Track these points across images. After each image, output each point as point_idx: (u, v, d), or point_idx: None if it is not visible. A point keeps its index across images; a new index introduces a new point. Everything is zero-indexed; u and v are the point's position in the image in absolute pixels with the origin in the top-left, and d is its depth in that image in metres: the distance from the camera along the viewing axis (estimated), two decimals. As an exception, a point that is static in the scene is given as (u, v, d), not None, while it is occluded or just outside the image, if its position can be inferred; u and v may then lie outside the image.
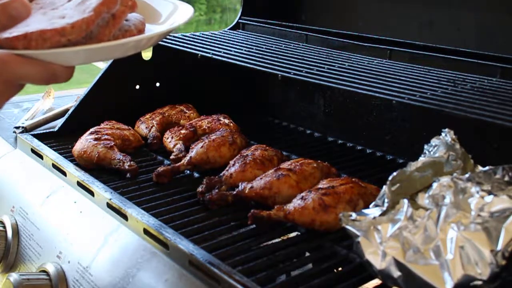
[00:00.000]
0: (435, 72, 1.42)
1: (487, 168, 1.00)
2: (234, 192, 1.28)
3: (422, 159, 1.06)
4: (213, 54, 1.62)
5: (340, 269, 1.07)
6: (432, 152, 1.09)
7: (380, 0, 1.80)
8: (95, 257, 1.22)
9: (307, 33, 1.83)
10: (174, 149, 1.56)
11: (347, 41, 1.70)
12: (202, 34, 1.92)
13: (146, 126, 1.71)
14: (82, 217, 1.33)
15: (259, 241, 1.16)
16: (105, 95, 1.76)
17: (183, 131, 1.62)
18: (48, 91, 2.09)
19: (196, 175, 1.48)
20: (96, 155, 1.46)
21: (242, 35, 1.94)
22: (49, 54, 0.79)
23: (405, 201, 0.96)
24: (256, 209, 1.19)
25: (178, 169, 1.44)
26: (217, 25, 11.73)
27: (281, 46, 1.73)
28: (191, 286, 1.04)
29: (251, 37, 1.89)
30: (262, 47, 1.70)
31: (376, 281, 1.00)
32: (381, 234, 0.93)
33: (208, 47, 1.70)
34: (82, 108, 1.73)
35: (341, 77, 1.34)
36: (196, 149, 1.47)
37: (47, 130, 1.72)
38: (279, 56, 1.56)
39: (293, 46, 1.74)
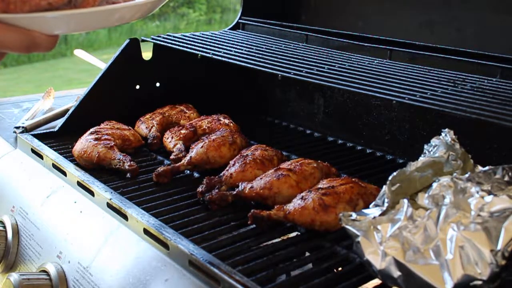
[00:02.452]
0: (435, 72, 1.42)
1: (487, 168, 1.00)
2: (234, 192, 1.28)
3: (422, 159, 1.06)
4: (213, 54, 1.62)
5: (340, 269, 1.07)
6: (432, 152, 1.09)
7: (380, 0, 1.80)
8: (95, 257, 1.22)
9: (307, 33, 1.83)
10: (174, 149, 1.56)
11: (347, 41, 1.70)
12: (202, 34, 1.92)
13: (146, 126, 1.71)
14: (82, 217, 1.33)
15: (259, 241, 1.16)
16: (105, 95, 1.76)
17: (183, 131, 1.62)
18: (48, 91, 2.09)
19: (196, 175, 1.48)
20: (96, 155, 1.46)
21: (242, 35, 1.94)
22: (29, 19, 0.76)
23: (405, 201, 0.96)
24: (256, 209, 1.19)
25: (178, 169, 1.44)
26: (217, 25, 11.76)
27: (281, 46, 1.73)
28: (191, 286, 1.04)
29: (251, 37, 1.89)
30: (262, 47, 1.70)
31: (376, 281, 1.00)
32: (381, 234, 0.93)
33: (208, 47, 1.70)
34: (82, 108, 1.73)
35: (341, 77, 1.34)
36: (196, 149, 1.47)
37: (47, 130, 1.72)
38: (279, 56, 1.56)
39: (293, 46, 1.74)
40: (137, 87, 1.85)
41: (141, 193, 1.35)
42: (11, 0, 0.75)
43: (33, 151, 1.58)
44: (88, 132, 1.57)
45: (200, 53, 1.65)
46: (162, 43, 1.80)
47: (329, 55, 1.61)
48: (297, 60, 1.52)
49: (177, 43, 1.77)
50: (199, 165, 1.46)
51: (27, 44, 0.77)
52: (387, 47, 1.59)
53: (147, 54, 1.85)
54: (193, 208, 1.29)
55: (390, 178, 1.00)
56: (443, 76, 1.38)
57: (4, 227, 1.48)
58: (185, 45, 1.74)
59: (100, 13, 0.80)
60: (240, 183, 1.30)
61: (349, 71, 1.40)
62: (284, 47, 1.72)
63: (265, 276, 1.03)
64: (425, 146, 1.13)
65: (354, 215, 0.97)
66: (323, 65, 1.46)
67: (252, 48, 1.68)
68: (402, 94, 1.21)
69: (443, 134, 1.11)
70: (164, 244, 1.12)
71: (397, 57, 1.57)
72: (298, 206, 1.16)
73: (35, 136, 1.65)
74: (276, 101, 2.02)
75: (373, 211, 0.97)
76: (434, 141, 1.11)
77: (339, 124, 1.81)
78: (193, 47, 1.71)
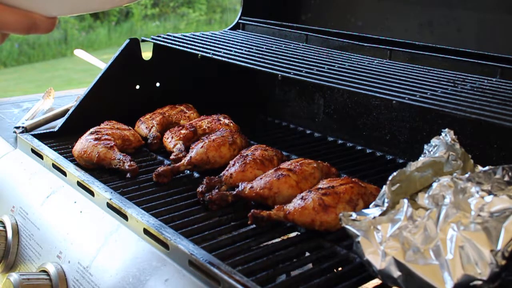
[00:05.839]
0: (435, 72, 1.42)
1: (487, 168, 1.00)
2: (234, 192, 1.28)
3: (422, 159, 1.06)
4: (213, 54, 1.62)
5: (340, 269, 1.07)
6: (432, 152, 1.09)
7: (380, 0, 1.80)
8: (95, 257, 1.22)
9: (307, 33, 1.83)
10: (174, 149, 1.56)
11: (347, 41, 1.70)
12: (202, 34, 1.92)
13: (146, 126, 1.71)
14: (82, 217, 1.33)
15: (259, 241, 1.16)
16: (105, 95, 1.76)
17: (183, 131, 1.62)
18: (48, 91, 2.09)
19: (196, 175, 1.48)
20: (96, 155, 1.46)
21: (242, 35, 1.94)
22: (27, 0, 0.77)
23: (405, 201, 0.96)
24: (256, 209, 1.19)
25: (178, 169, 1.44)
26: (217, 25, 11.77)
27: (281, 46, 1.73)
28: (191, 286, 1.04)
29: (251, 37, 1.90)
30: (262, 47, 1.70)
31: (376, 281, 1.00)
32: (381, 234, 0.93)
33: (208, 47, 1.70)
34: (82, 108, 1.73)
35: (341, 77, 1.34)
36: (196, 149, 1.47)
37: (47, 130, 1.72)
38: (279, 56, 1.56)
39: (293, 46, 1.74)
40: (137, 87, 1.85)
41: (141, 193, 1.36)
42: None
43: (33, 151, 1.58)
44: (88, 132, 1.57)
45: (200, 53, 1.65)
46: (162, 43, 1.80)
47: (329, 55, 1.61)
48: (297, 60, 1.52)
49: (177, 43, 1.77)
50: (199, 165, 1.46)
51: (27, 25, 0.78)
52: (387, 47, 1.59)
53: (147, 54, 1.85)
54: (193, 208, 1.29)
55: (390, 178, 1.00)
56: (443, 76, 1.38)
57: (4, 227, 1.48)
58: (185, 45, 1.74)
59: None
60: (240, 183, 1.30)
61: (349, 71, 1.40)
62: (284, 47, 1.72)
63: (265, 276, 1.03)
64: (425, 146, 1.13)
65: (354, 215, 0.97)
66: (323, 65, 1.46)
67: (252, 48, 1.68)
68: (402, 94, 1.21)
69: (443, 134, 1.11)
70: (164, 244, 1.12)
71: (397, 57, 1.57)
72: (298, 206, 1.16)
73: (35, 136, 1.65)
74: (276, 101, 2.02)
75: (373, 211, 0.97)
76: (434, 141, 1.11)
77: (339, 124, 1.81)
78: (193, 47, 1.71)
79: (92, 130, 1.58)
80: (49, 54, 9.75)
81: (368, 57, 1.59)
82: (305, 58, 1.54)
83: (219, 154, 1.48)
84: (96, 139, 1.51)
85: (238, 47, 1.70)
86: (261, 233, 1.18)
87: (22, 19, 0.77)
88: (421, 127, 1.57)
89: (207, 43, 1.76)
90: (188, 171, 1.48)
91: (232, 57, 1.58)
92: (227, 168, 1.38)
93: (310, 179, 1.31)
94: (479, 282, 0.85)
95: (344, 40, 1.71)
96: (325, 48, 1.71)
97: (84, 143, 1.51)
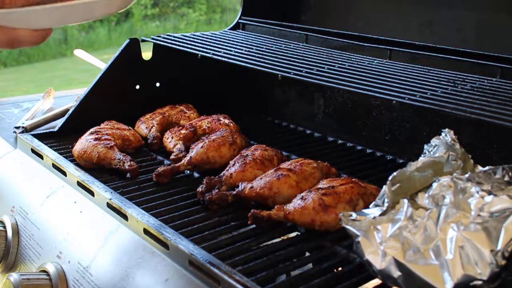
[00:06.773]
0: (435, 72, 1.42)
1: (487, 168, 1.00)
2: (234, 192, 1.28)
3: (422, 159, 1.06)
4: (213, 54, 1.62)
5: (340, 269, 1.07)
6: (432, 152, 1.09)
7: (380, 0, 1.80)
8: (95, 257, 1.22)
9: (307, 33, 1.83)
10: (174, 149, 1.56)
11: (347, 41, 1.70)
12: (202, 34, 1.92)
13: (146, 126, 1.71)
14: (82, 217, 1.33)
15: (259, 241, 1.16)
16: (105, 95, 1.76)
17: (183, 131, 1.62)
18: (48, 91, 2.09)
19: (196, 175, 1.48)
20: (96, 155, 1.46)
21: (242, 35, 1.94)
22: (7, 15, 0.77)
23: (405, 201, 0.96)
24: (256, 209, 1.19)
25: (178, 169, 1.44)
26: (217, 25, 11.76)
27: (281, 46, 1.73)
28: (191, 286, 1.04)
29: (251, 37, 1.89)
30: (262, 47, 1.70)
31: (376, 281, 1.00)
32: (381, 234, 0.93)
33: (208, 47, 1.70)
34: (82, 108, 1.73)
35: (341, 77, 1.34)
36: (196, 149, 1.47)
37: (47, 130, 1.72)
38: (279, 56, 1.56)
39: (293, 46, 1.74)
40: (137, 87, 1.85)
41: (141, 193, 1.36)
42: None
43: (33, 151, 1.58)
44: (88, 132, 1.57)
45: (200, 53, 1.65)
46: (162, 43, 1.80)
47: (329, 55, 1.61)
48: (297, 60, 1.52)
49: (177, 43, 1.77)
50: (199, 165, 1.46)
51: (7, 41, 0.79)
52: (387, 47, 1.59)
53: (147, 54, 1.85)
54: (193, 208, 1.29)
55: (390, 178, 1.00)
56: (443, 76, 1.38)
57: (4, 227, 1.48)
58: (185, 45, 1.74)
59: (78, 5, 0.81)
60: (240, 183, 1.30)
61: (349, 71, 1.40)
62: (284, 47, 1.72)
63: (265, 276, 1.03)
64: (425, 146, 1.13)
65: (354, 215, 0.97)
66: (323, 65, 1.46)
67: (252, 48, 1.68)
68: (402, 94, 1.21)
69: (443, 134, 1.11)
70: (164, 244, 1.12)
71: (397, 57, 1.57)
72: (298, 206, 1.16)
73: (35, 136, 1.65)
74: (276, 101, 2.02)
75: (373, 211, 0.97)
76: (434, 141, 1.11)
77: (339, 124, 1.81)
78: (193, 47, 1.71)
79: (92, 130, 1.58)
80: (49, 54, 9.74)
81: (368, 57, 1.59)
82: (305, 58, 1.54)
83: (219, 154, 1.48)
84: (96, 139, 1.51)
85: (238, 47, 1.70)
86: (261, 233, 1.18)
87: (2, 36, 0.78)
88: (421, 127, 1.57)
89: (207, 43, 1.76)
90: (188, 171, 1.48)
91: (232, 57, 1.58)
92: (227, 168, 1.38)
93: (310, 179, 1.31)
94: (479, 282, 0.85)
95: (344, 40, 1.71)
96: (325, 48, 1.71)
97: (84, 143, 1.51)
